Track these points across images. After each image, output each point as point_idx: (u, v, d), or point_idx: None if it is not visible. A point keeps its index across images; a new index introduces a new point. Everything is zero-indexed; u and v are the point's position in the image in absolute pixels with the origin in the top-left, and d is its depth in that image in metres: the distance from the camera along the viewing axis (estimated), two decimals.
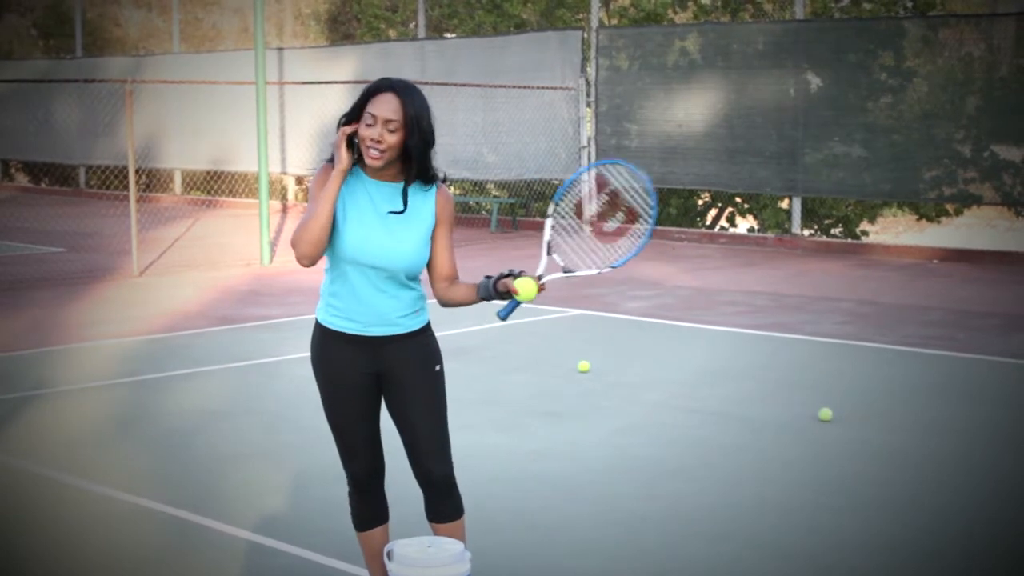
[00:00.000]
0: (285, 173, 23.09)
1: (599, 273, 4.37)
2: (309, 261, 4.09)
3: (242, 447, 7.11)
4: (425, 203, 4.18)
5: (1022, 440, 7.38)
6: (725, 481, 6.50)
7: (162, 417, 7.81)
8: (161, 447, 7.11)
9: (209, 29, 30.84)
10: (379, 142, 4.03)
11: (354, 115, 4.08)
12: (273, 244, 16.09)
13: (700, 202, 21.15)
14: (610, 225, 4.51)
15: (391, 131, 4.03)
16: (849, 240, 18.80)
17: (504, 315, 4.25)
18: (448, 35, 23.06)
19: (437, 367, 4.28)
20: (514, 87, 18.97)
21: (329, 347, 4.25)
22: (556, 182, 19.70)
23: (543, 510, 5.92)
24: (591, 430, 7.46)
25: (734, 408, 8.02)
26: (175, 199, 24.48)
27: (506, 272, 4.20)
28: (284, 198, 23.41)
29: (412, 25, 23.55)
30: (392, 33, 24.39)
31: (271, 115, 21.07)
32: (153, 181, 25.58)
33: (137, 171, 15.31)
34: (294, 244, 4.08)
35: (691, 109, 18.00)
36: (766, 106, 17.24)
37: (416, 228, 4.16)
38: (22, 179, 29.46)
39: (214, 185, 23.80)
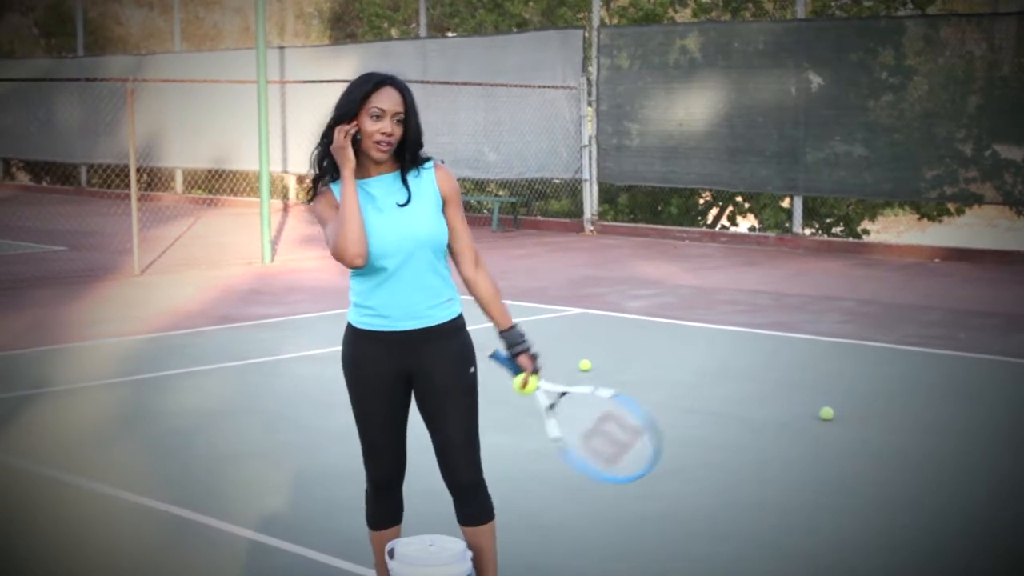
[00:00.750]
0: (286, 172, 23.09)
1: (556, 442, 4.31)
2: (363, 260, 4.07)
3: (242, 446, 7.12)
4: (424, 181, 4.18)
5: (1022, 440, 7.38)
6: (725, 481, 6.51)
7: (162, 416, 7.81)
8: (161, 446, 7.11)
9: (210, 28, 30.85)
10: (391, 134, 4.07)
11: (350, 114, 4.09)
12: (274, 243, 16.10)
13: (701, 201, 21.15)
14: (606, 449, 4.26)
15: (398, 122, 4.09)
16: (850, 239, 18.80)
17: (498, 358, 4.35)
18: (449, 34, 23.06)
19: (471, 369, 4.28)
20: (515, 86, 18.98)
21: (360, 347, 4.25)
22: (557, 181, 19.69)
23: (544, 510, 5.92)
24: None
25: (734, 408, 8.02)
26: (176, 198, 24.49)
27: (533, 350, 4.30)
28: (285, 197, 23.41)
29: (413, 24, 23.55)
30: (394, 32, 24.39)
31: (272, 114, 21.08)
32: (154, 180, 25.58)
33: (138, 170, 15.32)
34: (341, 252, 4.04)
35: (692, 108, 18.00)
36: (767, 105, 17.24)
37: (424, 206, 4.15)
38: (23, 178, 29.46)
39: (215, 184, 23.80)
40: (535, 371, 4.29)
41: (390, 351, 4.21)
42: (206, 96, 22.50)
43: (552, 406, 4.32)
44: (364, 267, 4.10)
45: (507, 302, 4.34)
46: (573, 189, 19.67)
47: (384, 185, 4.16)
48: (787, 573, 5.20)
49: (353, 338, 4.28)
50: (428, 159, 4.22)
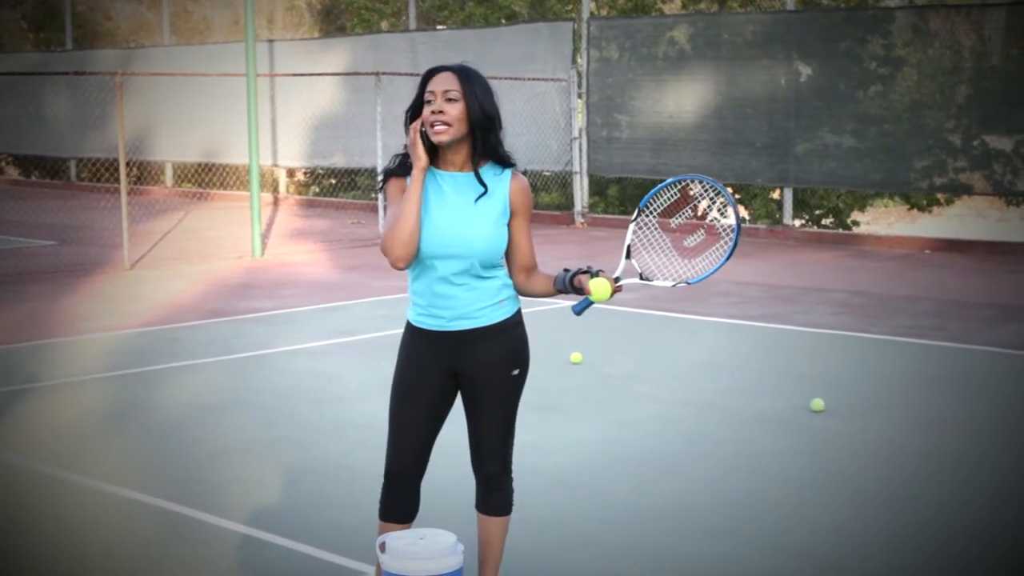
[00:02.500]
0: (276, 165, 23.05)
1: (675, 286, 4.30)
2: (405, 263, 4.08)
3: (235, 440, 7.10)
4: (498, 186, 4.15)
5: (1013, 430, 7.39)
6: (718, 474, 6.51)
7: (154, 410, 7.80)
8: (153, 440, 7.10)
9: (199, 21, 30.79)
10: (441, 113, 4.04)
11: (417, 109, 4.10)
12: (265, 236, 16.07)
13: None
14: (690, 240, 4.41)
15: (450, 100, 4.05)
16: (841, 231, 18.80)
17: (578, 310, 4.21)
18: (439, 27, 23.03)
19: (516, 371, 4.28)
20: (505, 79, 18.95)
21: (414, 344, 4.25)
22: (547, 173, 19.69)
23: (536, 504, 5.91)
24: (584, 423, 7.46)
25: (727, 400, 8.02)
26: (166, 192, 24.44)
27: (584, 268, 4.18)
28: (275, 190, 23.38)
29: (403, 17, 23.52)
30: (383, 25, 24.35)
31: (262, 107, 21.02)
32: (144, 174, 25.52)
33: (128, 164, 15.28)
34: (387, 249, 4.05)
35: (682, 100, 18.00)
36: (757, 96, 17.24)
37: (489, 211, 4.13)
38: (12, 172, 29.38)
39: (205, 177, 23.76)
40: (593, 275, 4.14)
41: (441, 350, 4.21)
42: (195, 90, 22.45)
43: (642, 276, 4.32)
44: (406, 268, 4.12)
45: (581, 298, 4.30)
46: (563, 181, 19.67)
47: (457, 182, 4.14)
48: (780, 566, 5.20)
49: (409, 335, 4.29)
50: (510, 165, 4.19)
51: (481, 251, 4.12)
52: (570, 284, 4.17)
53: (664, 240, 4.41)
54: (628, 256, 4.35)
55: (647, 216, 4.42)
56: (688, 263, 4.40)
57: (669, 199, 4.44)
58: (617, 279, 4.20)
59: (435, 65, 4.20)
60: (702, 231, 4.43)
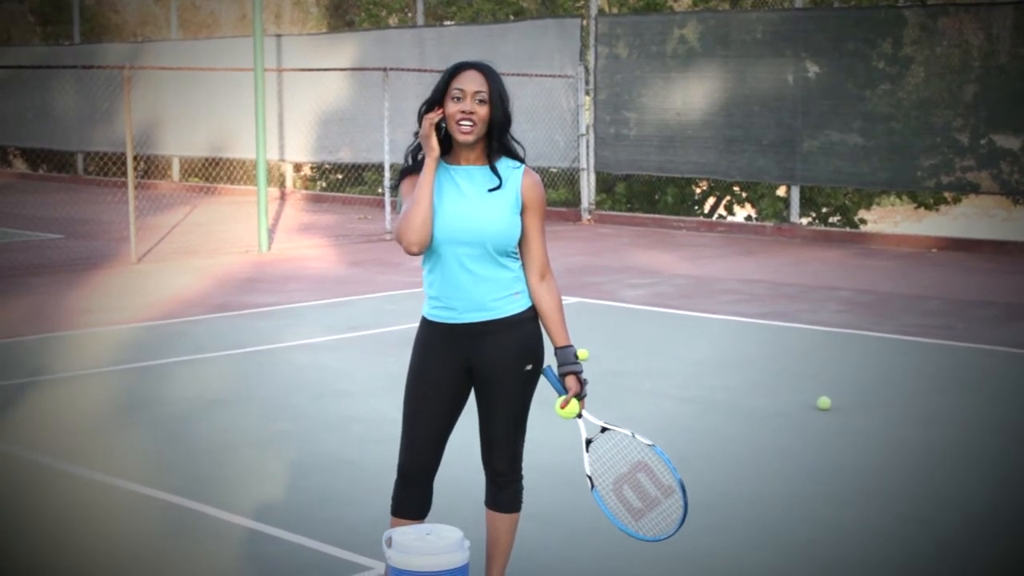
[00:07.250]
0: (283, 160, 23.06)
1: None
2: (419, 248, 4.11)
3: (240, 434, 7.11)
4: (510, 179, 4.20)
5: (1017, 429, 7.39)
6: (722, 471, 6.51)
7: (159, 404, 7.81)
8: (159, 434, 7.11)
9: (207, 16, 30.80)
10: (471, 113, 4.08)
11: (435, 101, 4.13)
12: (271, 231, 16.08)
13: (698, 190, 21.14)
14: (627, 494, 4.35)
15: (480, 102, 4.09)
16: (847, 229, 18.79)
17: (546, 375, 4.31)
18: (447, 22, 23.02)
19: (529, 366, 4.27)
20: (513, 75, 18.94)
21: (428, 338, 4.27)
22: (555, 170, 19.68)
23: (540, 500, 5.91)
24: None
25: (732, 397, 8.02)
26: (173, 186, 24.46)
27: (582, 373, 4.28)
28: (282, 185, 23.38)
29: (410, 13, 23.51)
30: (391, 20, 24.34)
31: (269, 102, 21.03)
32: (151, 168, 25.54)
33: (135, 158, 15.29)
34: (401, 235, 4.09)
35: (690, 97, 17.99)
36: (765, 94, 17.22)
37: (502, 200, 4.17)
38: (20, 165, 29.42)
39: (212, 172, 23.77)
40: (579, 396, 4.28)
41: (454, 343, 4.22)
42: (203, 84, 22.47)
43: (590, 441, 4.35)
44: (420, 254, 4.15)
45: (555, 381, 4.33)
46: (570, 178, 19.66)
47: (470, 175, 4.18)
48: (784, 564, 5.20)
49: (423, 329, 4.31)
50: (521, 161, 4.25)
51: (494, 236, 4.14)
52: (560, 372, 4.27)
53: (623, 471, 4.34)
54: (587, 447, 4.39)
55: (610, 446, 4.39)
56: (621, 504, 4.37)
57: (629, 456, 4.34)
58: (580, 415, 4.31)
59: (460, 61, 4.21)
60: (648, 507, 4.33)
